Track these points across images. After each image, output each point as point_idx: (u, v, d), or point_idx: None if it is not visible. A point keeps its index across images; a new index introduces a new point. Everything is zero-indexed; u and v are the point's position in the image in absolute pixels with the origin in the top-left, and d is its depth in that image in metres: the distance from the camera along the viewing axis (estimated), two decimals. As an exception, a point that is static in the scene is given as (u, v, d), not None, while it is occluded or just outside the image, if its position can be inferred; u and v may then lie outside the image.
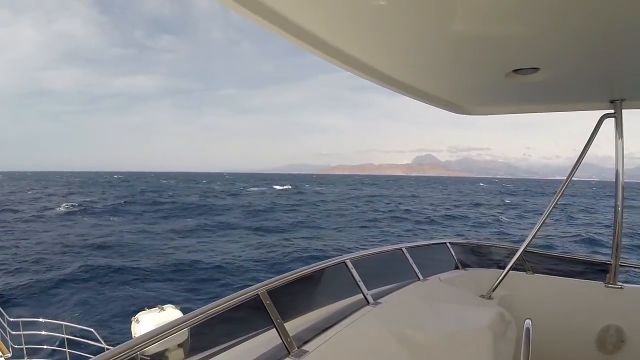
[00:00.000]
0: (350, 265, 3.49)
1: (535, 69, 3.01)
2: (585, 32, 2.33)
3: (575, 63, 2.99)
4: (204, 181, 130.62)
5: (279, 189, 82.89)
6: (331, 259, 3.51)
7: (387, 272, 4.47)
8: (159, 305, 3.36)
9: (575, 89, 3.84)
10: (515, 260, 4.41)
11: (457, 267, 5.04)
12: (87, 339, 6.37)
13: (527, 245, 4.43)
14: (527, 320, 2.55)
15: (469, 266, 5.13)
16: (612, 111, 4.20)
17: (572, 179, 4.40)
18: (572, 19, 2.15)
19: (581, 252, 24.89)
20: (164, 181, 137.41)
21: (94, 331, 5.69)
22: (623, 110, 4.19)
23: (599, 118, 4.20)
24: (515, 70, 3.03)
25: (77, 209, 42.61)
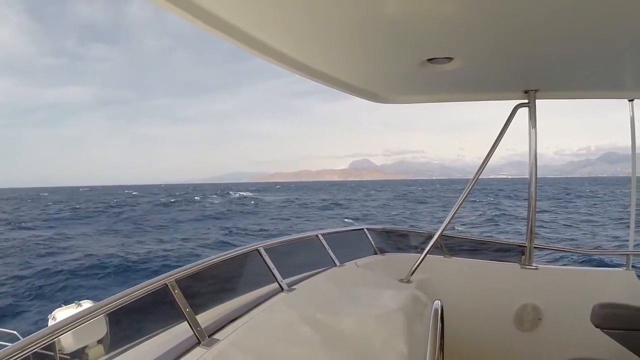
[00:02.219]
0: (263, 252, 3.48)
1: (449, 59, 3.13)
2: (498, 23, 2.46)
3: (489, 53, 3.12)
4: (134, 193, 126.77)
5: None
6: (244, 247, 3.47)
7: (303, 259, 4.49)
8: (75, 301, 3.23)
9: (489, 78, 4.01)
10: (433, 244, 4.56)
11: (375, 253, 5.14)
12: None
13: (443, 230, 4.60)
14: (436, 301, 2.64)
15: (387, 251, 5.23)
16: (526, 101, 4.43)
17: (488, 163, 4.67)
18: (485, 10, 2.26)
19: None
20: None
21: (17, 334, 5.80)
22: (537, 100, 4.43)
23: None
24: (430, 60, 3.13)
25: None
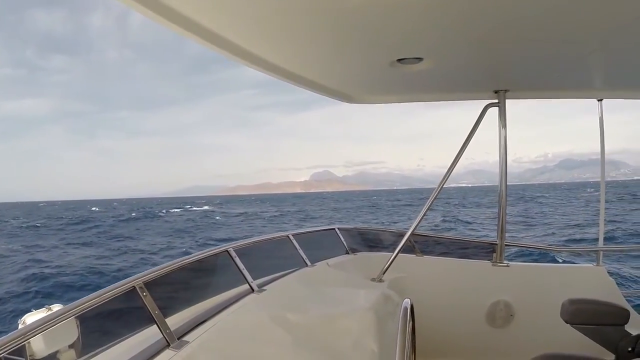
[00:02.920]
0: (233, 253, 3.45)
1: (419, 59, 3.16)
2: (467, 24, 2.51)
3: (459, 54, 3.17)
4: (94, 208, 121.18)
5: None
6: (213, 248, 3.44)
7: (274, 259, 4.49)
8: (46, 305, 2.85)
9: (460, 79, 4.07)
10: (404, 243, 4.61)
11: (347, 253, 5.13)
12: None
13: (414, 229, 4.66)
14: (405, 300, 2.67)
15: (359, 251, 5.25)
16: (496, 101, 4.50)
17: (457, 164, 4.74)
18: (454, 11, 2.31)
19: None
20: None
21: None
22: (507, 100, 4.50)
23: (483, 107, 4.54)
24: (400, 60, 3.17)
25: None
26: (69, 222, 58.92)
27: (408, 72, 3.48)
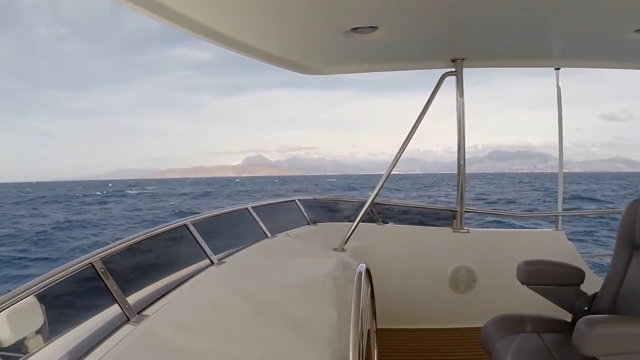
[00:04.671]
0: (192, 227, 3.47)
1: (374, 28, 3.18)
2: None
3: (414, 22, 3.18)
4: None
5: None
6: (172, 222, 3.42)
7: (234, 232, 4.51)
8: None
9: (416, 47, 4.08)
10: (364, 213, 4.67)
11: (308, 224, 5.17)
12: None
13: (374, 198, 4.70)
14: (360, 265, 2.68)
15: (320, 222, 5.28)
16: (454, 69, 4.58)
17: (405, 151, 4.71)
18: None
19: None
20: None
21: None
22: (464, 69, 4.58)
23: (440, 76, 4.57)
24: (354, 29, 3.18)
25: None
26: None
27: (363, 42, 3.50)
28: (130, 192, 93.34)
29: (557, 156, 5.18)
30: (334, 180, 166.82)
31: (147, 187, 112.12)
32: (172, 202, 61.13)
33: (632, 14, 2.93)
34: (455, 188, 4.97)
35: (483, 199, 50.64)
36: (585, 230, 22.95)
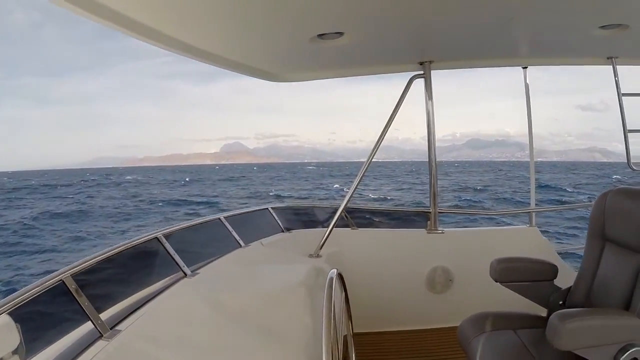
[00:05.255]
0: (163, 240, 3.45)
1: (340, 34, 3.19)
2: None
3: (380, 27, 3.20)
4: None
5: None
6: (143, 236, 3.41)
7: (207, 243, 4.50)
8: None
9: (383, 52, 4.11)
10: (338, 218, 4.68)
11: (282, 231, 5.16)
12: None
13: (346, 203, 4.72)
14: (332, 270, 2.69)
15: (294, 229, 5.28)
16: (422, 72, 4.62)
17: (381, 145, 4.78)
18: None
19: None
20: None
21: None
22: (432, 71, 4.64)
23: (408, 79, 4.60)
24: (320, 35, 3.19)
25: None
26: None
27: (329, 48, 3.52)
28: (128, 178, 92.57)
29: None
30: (312, 167, 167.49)
31: (128, 176, 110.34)
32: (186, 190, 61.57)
33: (596, 10, 2.97)
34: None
35: (467, 187, 51.46)
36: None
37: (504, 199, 40.94)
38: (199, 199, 47.51)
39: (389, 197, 44.01)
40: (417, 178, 77.06)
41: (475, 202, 39.64)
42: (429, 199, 5.01)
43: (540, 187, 46.53)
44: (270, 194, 54.03)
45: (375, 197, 44.42)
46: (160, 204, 44.13)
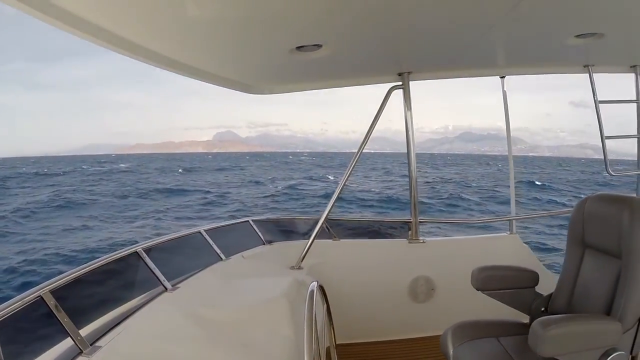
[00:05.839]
0: (143, 254, 3.43)
1: (318, 46, 3.19)
2: (365, 10, 2.56)
3: (358, 39, 3.22)
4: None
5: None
6: (122, 250, 3.39)
7: (187, 257, 4.46)
8: None
9: (361, 63, 4.14)
10: (319, 229, 4.69)
11: (263, 244, 5.12)
12: None
13: (327, 215, 4.74)
14: (313, 283, 2.70)
15: (275, 241, 5.24)
16: (400, 83, 4.63)
17: (364, 150, 4.81)
18: None
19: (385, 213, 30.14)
20: None
21: None
22: (410, 82, 4.65)
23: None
24: (299, 47, 3.19)
25: None
26: None
27: (308, 60, 3.50)
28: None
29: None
30: (306, 157, 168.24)
31: (122, 164, 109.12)
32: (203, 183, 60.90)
33: (572, 20, 3.02)
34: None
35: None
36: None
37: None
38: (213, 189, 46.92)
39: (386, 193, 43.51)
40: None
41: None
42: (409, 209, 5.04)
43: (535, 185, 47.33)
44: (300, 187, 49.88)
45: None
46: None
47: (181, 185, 48.90)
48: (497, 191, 41.43)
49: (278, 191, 43.35)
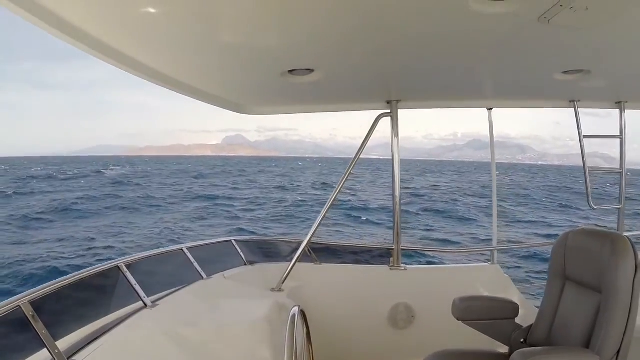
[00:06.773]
0: (124, 269, 3.41)
1: (310, 70, 3.23)
2: (357, 38, 2.61)
3: (350, 66, 3.28)
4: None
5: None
6: (103, 264, 3.40)
7: (168, 274, 4.43)
8: None
9: (351, 90, 4.20)
10: (301, 252, 4.71)
11: (245, 264, 5.11)
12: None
13: (310, 238, 4.76)
14: (294, 307, 2.73)
15: (257, 262, 5.26)
16: (389, 111, 4.72)
17: (351, 171, 4.80)
18: (344, 25, 2.38)
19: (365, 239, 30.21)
20: None
21: None
22: (399, 110, 4.72)
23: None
24: (291, 71, 3.22)
25: None
26: None
27: (299, 83, 3.53)
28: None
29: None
30: (319, 163, 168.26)
31: (138, 165, 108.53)
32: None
33: (560, 56, 3.05)
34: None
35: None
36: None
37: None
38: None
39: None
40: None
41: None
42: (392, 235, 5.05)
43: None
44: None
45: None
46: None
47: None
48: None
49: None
